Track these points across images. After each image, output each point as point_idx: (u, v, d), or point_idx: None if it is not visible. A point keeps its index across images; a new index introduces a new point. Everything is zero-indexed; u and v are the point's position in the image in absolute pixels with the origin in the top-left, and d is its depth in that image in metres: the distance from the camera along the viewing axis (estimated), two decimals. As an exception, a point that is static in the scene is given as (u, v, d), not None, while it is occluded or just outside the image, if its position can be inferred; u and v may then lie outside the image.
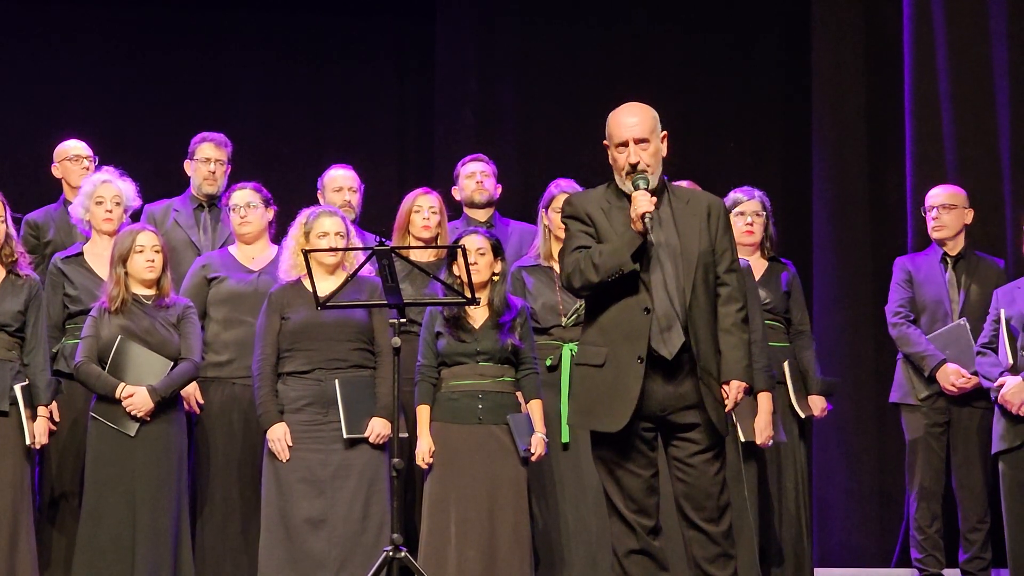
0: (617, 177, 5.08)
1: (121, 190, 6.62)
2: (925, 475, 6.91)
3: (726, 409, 5.03)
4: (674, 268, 4.98)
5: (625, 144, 5.01)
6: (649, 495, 5.05)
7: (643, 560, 5.06)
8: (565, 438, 6.40)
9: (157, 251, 6.29)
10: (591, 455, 6.28)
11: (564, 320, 6.52)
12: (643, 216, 4.89)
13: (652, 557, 5.06)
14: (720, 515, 5.03)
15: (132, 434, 6.16)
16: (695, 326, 4.97)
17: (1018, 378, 6.50)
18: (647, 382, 4.95)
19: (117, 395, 6.14)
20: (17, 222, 6.55)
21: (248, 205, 6.67)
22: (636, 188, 4.96)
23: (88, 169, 7.01)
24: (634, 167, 4.99)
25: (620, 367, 4.96)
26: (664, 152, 5.08)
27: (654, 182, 5.01)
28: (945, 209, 7.02)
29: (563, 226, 5.17)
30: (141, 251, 6.28)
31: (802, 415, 6.63)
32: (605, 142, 5.11)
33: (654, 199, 4.95)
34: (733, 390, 5.03)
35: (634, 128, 5.01)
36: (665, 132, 5.10)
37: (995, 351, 6.64)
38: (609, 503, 5.09)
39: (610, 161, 5.10)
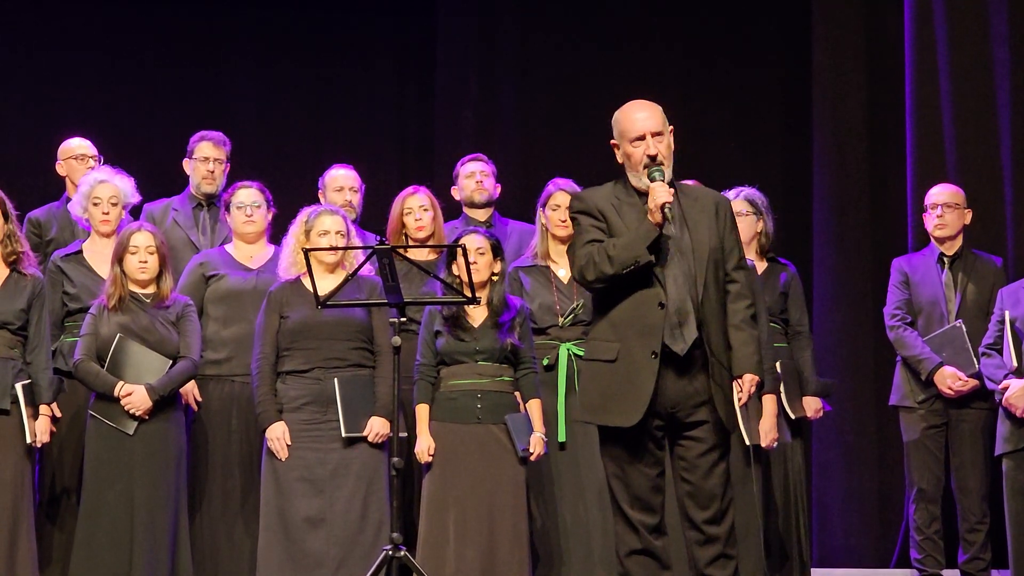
0: (630, 174, 5.08)
1: (119, 188, 6.61)
2: (923, 477, 6.91)
3: (740, 403, 5.05)
4: (686, 263, 4.98)
5: (641, 138, 5.03)
6: (655, 494, 5.05)
7: (645, 560, 5.06)
8: (562, 437, 6.40)
9: (151, 252, 6.28)
10: (590, 453, 6.38)
11: (561, 320, 6.52)
12: (663, 206, 4.90)
13: (654, 557, 5.06)
14: (723, 516, 5.03)
15: (131, 432, 6.16)
16: (707, 322, 4.98)
17: (1023, 381, 6.49)
18: (660, 378, 4.94)
19: (116, 393, 6.14)
20: (19, 220, 6.55)
21: (254, 204, 6.68)
22: (652, 180, 4.97)
23: (93, 168, 7.00)
24: (653, 159, 5.01)
25: (633, 362, 4.95)
26: (673, 146, 5.11)
27: (669, 175, 5.02)
28: (949, 208, 7.01)
29: (571, 221, 5.15)
30: (135, 252, 6.28)
31: (793, 416, 6.63)
32: (613, 141, 5.12)
33: (672, 190, 4.96)
34: (747, 383, 5.04)
35: (648, 121, 5.05)
36: (672, 127, 5.13)
37: (999, 352, 6.64)
38: (614, 502, 5.08)
39: (620, 159, 5.11)
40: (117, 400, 6.15)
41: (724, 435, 5.04)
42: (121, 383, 6.16)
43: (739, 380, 5.05)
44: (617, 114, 5.12)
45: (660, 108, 5.10)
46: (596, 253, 4.95)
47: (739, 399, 5.05)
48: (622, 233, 4.98)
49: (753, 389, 5.07)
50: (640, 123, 5.04)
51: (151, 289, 6.32)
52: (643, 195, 5.04)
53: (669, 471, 5.11)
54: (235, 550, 6.47)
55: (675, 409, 4.99)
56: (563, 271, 6.59)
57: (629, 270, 4.91)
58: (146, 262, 6.28)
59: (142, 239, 6.29)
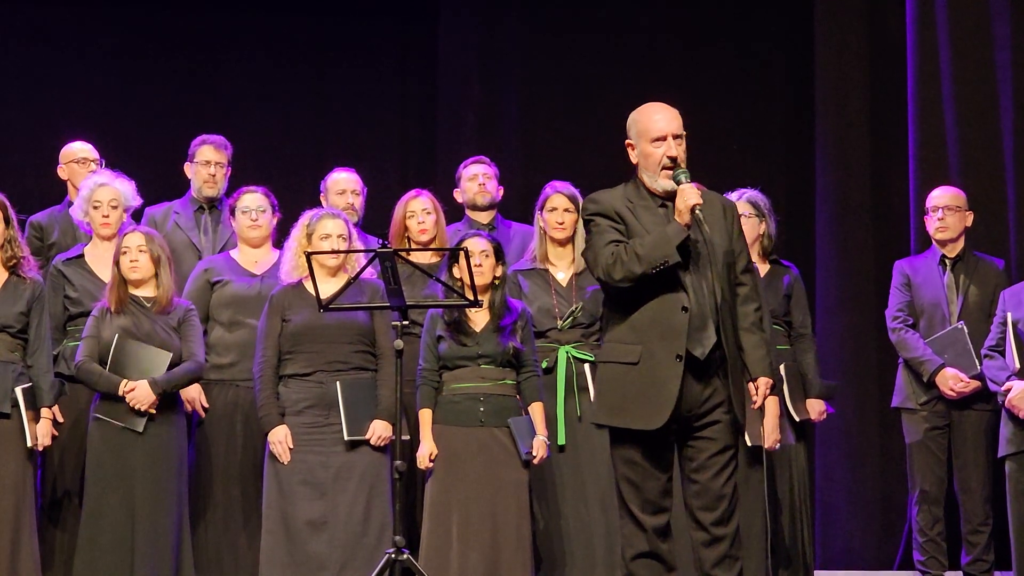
0: (645, 174, 5.07)
1: (119, 191, 6.61)
2: (926, 478, 6.91)
3: (754, 406, 5.05)
4: (705, 267, 4.99)
5: (663, 138, 5.03)
6: (664, 497, 5.05)
7: (651, 563, 5.06)
8: (562, 440, 6.39)
9: (142, 251, 6.29)
10: (592, 456, 6.37)
11: (560, 323, 6.51)
12: (693, 208, 4.90)
13: (660, 559, 5.06)
14: (729, 517, 5.02)
15: (140, 430, 6.16)
16: (725, 326, 4.98)
17: (1025, 383, 6.52)
18: (682, 381, 4.93)
19: (120, 391, 6.14)
20: (21, 224, 6.55)
21: (259, 209, 6.68)
22: (679, 183, 4.97)
23: (94, 172, 7.01)
24: (674, 160, 5.01)
25: (656, 365, 4.94)
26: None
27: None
28: (950, 211, 7.02)
29: (586, 223, 5.12)
30: (126, 252, 6.30)
31: (797, 418, 6.63)
32: (628, 141, 5.10)
33: (700, 193, 4.96)
34: (762, 386, 5.05)
35: (672, 123, 5.05)
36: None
37: (1002, 354, 6.64)
38: (623, 505, 5.06)
39: (634, 159, 5.10)
40: (122, 399, 6.15)
41: (735, 436, 5.05)
42: (124, 381, 6.16)
43: (754, 383, 5.05)
44: (636, 114, 5.12)
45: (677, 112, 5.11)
46: (624, 252, 4.93)
47: (754, 402, 5.06)
48: (640, 234, 4.98)
49: (768, 392, 5.07)
50: (662, 123, 5.04)
51: (150, 291, 6.32)
52: (657, 196, 5.05)
53: (676, 473, 5.11)
54: (238, 553, 6.47)
55: (691, 412, 4.99)
56: (561, 274, 6.58)
57: (657, 270, 4.90)
58: (136, 261, 6.28)
59: (133, 240, 6.31)
